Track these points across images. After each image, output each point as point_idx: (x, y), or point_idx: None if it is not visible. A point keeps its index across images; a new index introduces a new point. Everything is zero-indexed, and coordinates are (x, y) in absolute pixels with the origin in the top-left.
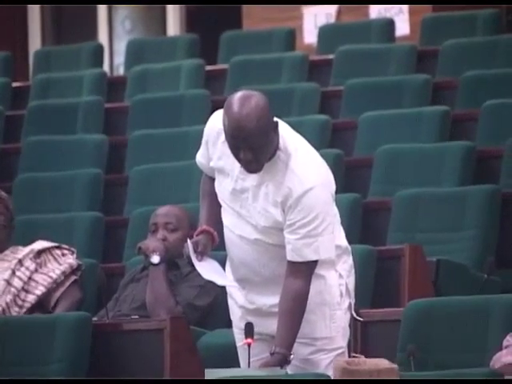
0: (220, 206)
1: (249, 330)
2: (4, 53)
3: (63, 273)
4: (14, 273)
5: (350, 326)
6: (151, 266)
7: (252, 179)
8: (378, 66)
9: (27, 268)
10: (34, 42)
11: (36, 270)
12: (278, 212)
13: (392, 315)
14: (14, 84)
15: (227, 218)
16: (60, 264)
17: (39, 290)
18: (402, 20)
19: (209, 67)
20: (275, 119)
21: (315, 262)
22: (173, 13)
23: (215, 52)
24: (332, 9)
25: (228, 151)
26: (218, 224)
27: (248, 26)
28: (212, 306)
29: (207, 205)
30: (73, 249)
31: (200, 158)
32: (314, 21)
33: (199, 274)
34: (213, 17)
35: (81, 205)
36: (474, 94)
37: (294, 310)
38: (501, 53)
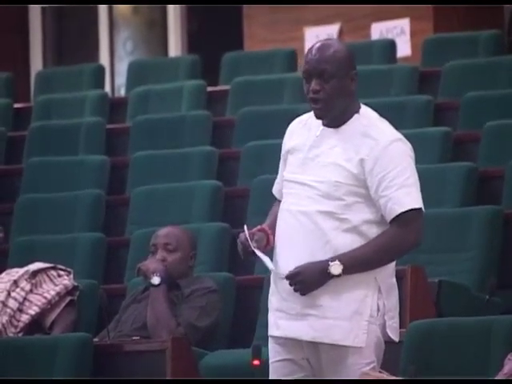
0: None
1: (256, 351)
2: (6, 74)
3: (58, 294)
4: (9, 294)
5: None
6: (152, 287)
7: (327, 144)
8: (379, 87)
9: (22, 289)
10: (36, 63)
11: (31, 291)
12: (353, 165)
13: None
14: (16, 105)
15: (289, 199)
16: (55, 285)
17: (33, 310)
18: (403, 41)
19: (210, 88)
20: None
21: (418, 214)
22: (174, 34)
23: (217, 73)
24: (333, 29)
25: (303, 132)
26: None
27: (249, 47)
28: (213, 327)
29: (273, 216)
30: (69, 269)
31: (277, 181)
32: (315, 41)
33: (201, 295)
34: (214, 38)
35: (82, 225)
36: (475, 114)
37: (384, 247)
38: (503, 74)
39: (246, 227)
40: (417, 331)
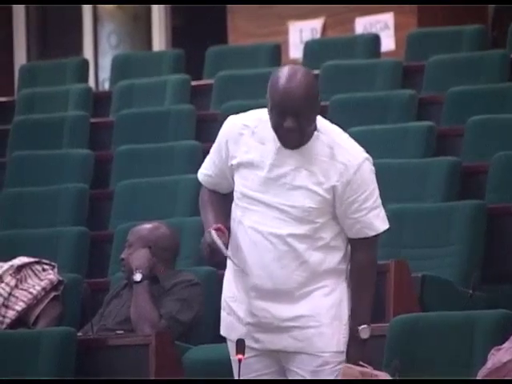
0: (225, 214)
1: (240, 346)
2: None
3: (44, 289)
4: None
5: None
6: (134, 284)
7: (289, 164)
8: (363, 82)
9: (7, 284)
10: (20, 57)
11: (16, 286)
12: (325, 191)
13: (377, 330)
14: (0, 99)
15: (253, 217)
16: (40, 280)
17: (19, 306)
18: (387, 35)
19: (194, 82)
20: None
21: (380, 234)
22: (158, 28)
23: (201, 67)
24: (318, 24)
25: (256, 144)
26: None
27: (233, 41)
28: (195, 321)
29: (212, 210)
30: (53, 264)
31: (205, 170)
32: (299, 36)
33: (183, 288)
34: (198, 32)
35: (66, 219)
36: (459, 109)
37: (367, 282)
38: (486, 68)
39: (212, 230)
40: (400, 326)
